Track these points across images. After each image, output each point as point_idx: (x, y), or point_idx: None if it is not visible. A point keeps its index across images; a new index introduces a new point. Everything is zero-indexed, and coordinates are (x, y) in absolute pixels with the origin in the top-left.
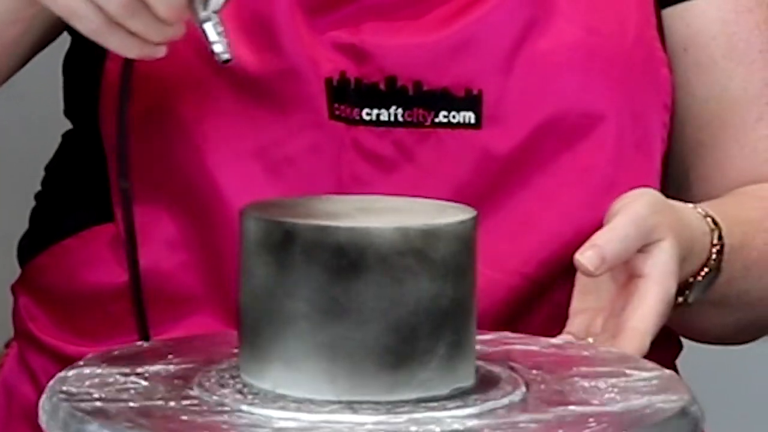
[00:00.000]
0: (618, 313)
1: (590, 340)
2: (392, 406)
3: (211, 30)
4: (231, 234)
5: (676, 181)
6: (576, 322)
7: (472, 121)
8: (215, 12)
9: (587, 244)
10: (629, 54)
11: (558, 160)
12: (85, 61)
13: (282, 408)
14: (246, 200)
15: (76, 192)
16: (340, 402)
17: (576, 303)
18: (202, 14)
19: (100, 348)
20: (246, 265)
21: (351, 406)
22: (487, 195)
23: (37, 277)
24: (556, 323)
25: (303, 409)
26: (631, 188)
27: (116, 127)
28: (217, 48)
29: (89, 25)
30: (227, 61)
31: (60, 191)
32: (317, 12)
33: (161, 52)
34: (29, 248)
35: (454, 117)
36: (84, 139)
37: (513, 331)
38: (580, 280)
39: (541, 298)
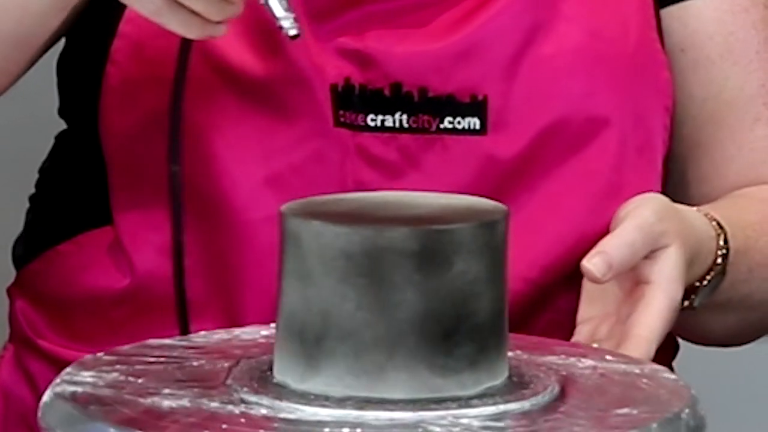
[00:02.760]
0: (624, 320)
1: (595, 345)
2: (422, 404)
3: (276, 5)
4: (235, 240)
5: (673, 181)
6: (583, 330)
7: (477, 126)
8: None
9: (594, 251)
10: (632, 57)
11: (562, 165)
12: (83, 63)
13: (306, 404)
14: (250, 207)
15: (70, 195)
16: (368, 399)
17: (583, 311)
18: None
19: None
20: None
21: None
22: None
23: (33, 282)
24: (558, 328)
25: (326, 405)
26: (635, 192)
27: (169, 110)
28: (285, 23)
29: (149, 6)
30: (296, 36)
31: (54, 194)
32: (322, 18)
33: (222, 30)
34: (24, 252)
35: (459, 123)
36: (80, 141)
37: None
38: (586, 287)
39: (544, 304)
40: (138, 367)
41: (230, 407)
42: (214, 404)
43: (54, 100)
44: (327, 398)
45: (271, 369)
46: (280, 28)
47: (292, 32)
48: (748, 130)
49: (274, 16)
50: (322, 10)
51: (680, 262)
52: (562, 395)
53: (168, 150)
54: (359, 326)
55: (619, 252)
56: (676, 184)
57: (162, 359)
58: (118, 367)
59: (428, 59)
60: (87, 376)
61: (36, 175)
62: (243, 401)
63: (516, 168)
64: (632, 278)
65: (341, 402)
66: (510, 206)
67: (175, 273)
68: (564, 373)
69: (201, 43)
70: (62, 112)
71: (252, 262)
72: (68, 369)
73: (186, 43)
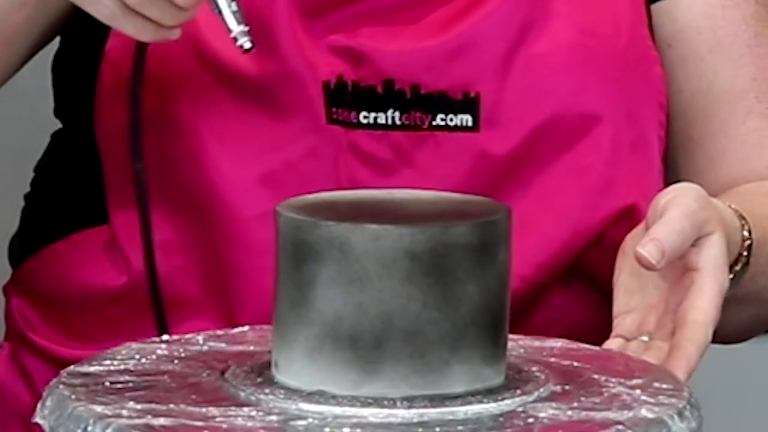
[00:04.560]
0: (673, 309)
1: (644, 338)
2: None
3: (230, 17)
4: (229, 238)
5: (667, 176)
6: (626, 322)
7: (470, 123)
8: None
9: (647, 238)
10: (624, 54)
11: (555, 162)
12: (78, 62)
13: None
14: (244, 205)
15: (66, 194)
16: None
17: (620, 304)
18: (220, 1)
19: (96, 351)
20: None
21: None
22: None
23: (29, 280)
24: (553, 326)
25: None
26: (628, 189)
27: (129, 109)
28: (238, 36)
29: (104, 11)
30: (249, 49)
31: (50, 192)
32: (315, 16)
33: (176, 34)
34: (20, 250)
35: (451, 120)
36: (74, 140)
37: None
38: (620, 280)
39: (539, 301)
40: (140, 367)
41: (270, 417)
42: (245, 415)
43: (50, 99)
44: (392, 400)
45: (261, 374)
46: (233, 40)
47: (246, 45)
48: (740, 123)
49: (227, 27)
50: (315, 7)
51: (724, 249)
52: (558, 392)
53: (131, 148)
54: (425, 325)
55: (670, 239)
56: (670, 178)
57: (169, 360)
58: (118, 367)
59: (421, 56)
60: (87, 375)
61: (32, 174)
62: (289, 410)
63: (509, 165)
64: (679, 267)
65: (409, 401)
66: (503, 203)
67: (147, 272)
68: (561, 370)
69: (194, 42)
70: (57, 112)
71: (247, 259)
72: (68, 369)
73: (141, 45)
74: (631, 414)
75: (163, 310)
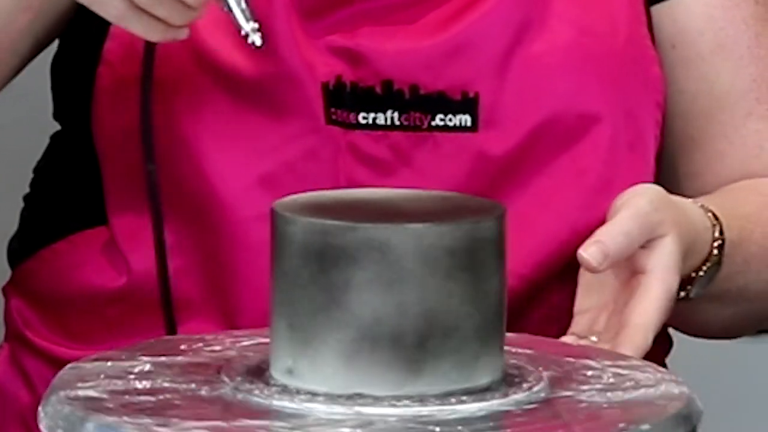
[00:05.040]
0: (621, 310)
1: (593, 338)
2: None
3: (240, 15)
4: (228, 239)
5: (665, 177)
6: (582, 321)
7: (469, 124)
8: None
9: (590, 240)
10: (622, 54)
11: (554, 162)
12: (76, 65)
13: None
14: (243, 206)
15: (65, 195)
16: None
17: (580, 303)
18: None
19: (95, 351)
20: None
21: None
22: (484, 197)
23: (28, 281)
24: (551, 324)
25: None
26: (626, 188)
27: (140, 111)
28: (249, 34)
29: (112, 12)
30: (260, 46)
31: (49, 194)
32: (312, 16)
33: (184, 34)
34: (19, 251)
35: (450, 120)
36: (73, 142)
37: (508, 332)
38: (583, 279)
39: (537, 300)
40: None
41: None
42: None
43: (49, 101)
44: (435, 396)
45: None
46: (244, 37)
47: (257, 42)
48: (740, 125)
49: (237, 25)
50: (313, 8)
51: (676, 251)
52: (554, 391)
53: (143, 149)
54: (462, 320)
55: (615, 241)
56: (668, 179)
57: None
58: (119, 367)
59: (419, 57)
60: (87, 375)
61: (31, 175)
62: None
63: (507, 165)
64: (629, 268)
65: (444, 398)
66: (502, 203)
67: (159, 273)
68: (557, 369)
69: (192, 43)
70: (56, 114)
71: (245, 260)
72: (67, 367)
73: (150, 45)
74: (662, 388)
75: (172, 310)
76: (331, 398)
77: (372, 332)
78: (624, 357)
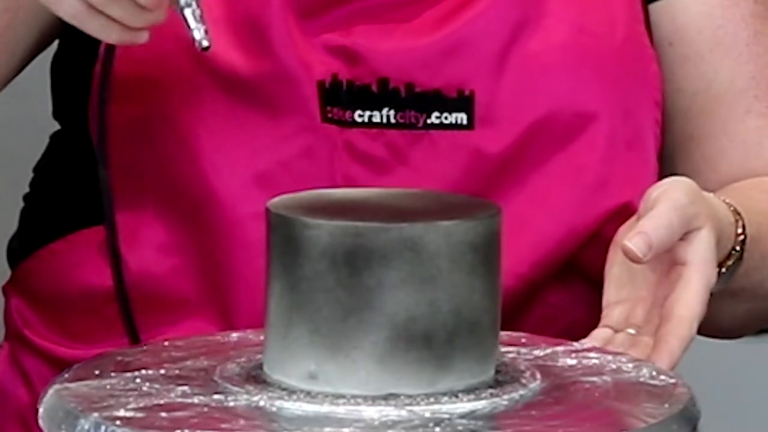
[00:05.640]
0: (661, 302)
1: (631, 331)
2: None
3: (189, 16)
4: (225, 238)
5: (665, 175)
6: (614, 314)
7: (465, 122)
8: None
9: (634, 231)
10: (619, 52)
11: (550, 160)
12: (74, 64)
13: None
14: (239, 204)
15: (64, 194)
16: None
17: (610, 295)
18: (182, 0)
19: (94, 350)
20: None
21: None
22: (480, 196)
23: (28, 280)
24: (549, 324)
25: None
26: (624, 187)
27: (97, 114)
28: (196, 35)
29: (69, 10)
30: (206, 48)
31: (48, 193)
32: (309, 15)
33: (143, 37)
34: (18, 250)
35: (446, 118)
36: (73, 142)
37: (509, 332)
38: (612, 271)
39: (535, 299)
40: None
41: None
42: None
43: (49, 101)
44: (463, 392)
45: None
46: (192, 39)
47: (203, 44)
48: (740, 122)
49: (186, 26)
50: (309, 6)
51: (713, 243)
52: (551, 391)
53: (97, 154)
54: (482, 314)
55: (657, 233)
56: (668, 177)
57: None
58: (120, 367)
59: (415, 55)
60: (87, 376)
61: (31, 175)
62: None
63: (504, 163)
64: (667, 260)
65: (476, 393)
66: (498, 201)
67: (114, 277)
68: (555, 367)
69: (188, 43)
70: (56, 114)
71: (242, 259)
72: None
73: (110, 47)
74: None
75: (134, 317)
76: (368, 399)
77: (406, 332)
78: (624, 355)
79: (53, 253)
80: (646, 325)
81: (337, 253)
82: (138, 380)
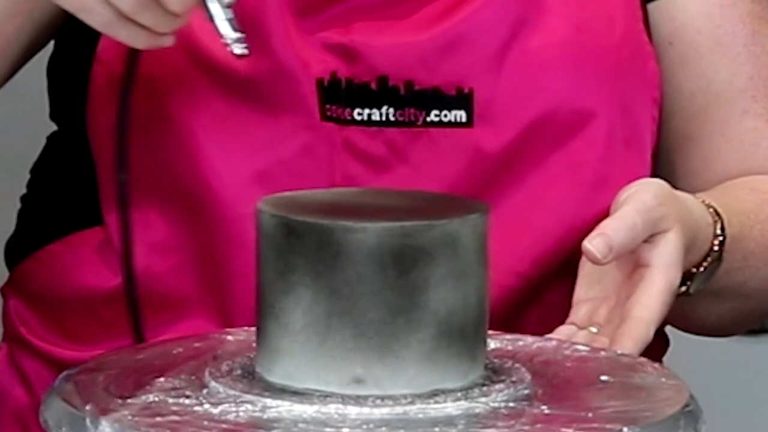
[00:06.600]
0: (623, 303)
1: (593, 329)
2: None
3: (224, 24)
4: (225, 236)
5: (662, 174)
6: (581, 311)
7: (464, 119)
8: (228, 6)
9: (595, 232)
10: (618, 49)
11: (549, 158)
12: (71, 65)
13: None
14: (238, 203)
15: (61, 195)
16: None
17: (580, 292)
18: (212, 7)
19: (93, 352)
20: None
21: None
22: (480, 193)
23: (26, 282)
24: (549, 323)
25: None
26: (623, 184)
27: (116, 120)
28: (233, 44)
29: (99, 19)
30: (243, 55)
31: (45, 194)
32: (307, 13)
33: (169, 41)
34: (16, 252)
35: (445, 116)
36: (70, 143)
37: (507, 331)
38: (584, 269)
39: (535, 298)
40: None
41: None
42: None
43: (46, 102)
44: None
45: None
46: (226, 45)
47: (239, 51)
48: (737, 122)
49: (219, 34)
50: (307, 4)
51: (679, 246)
52: (547, 390)
53: (115, 158)
54: (486, 305)
55: (619, 234)
56: (665, 177)
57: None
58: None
59: (414, 52)
60: (87, 376)
61: (28, 176)
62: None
63: (503, 161)
64: (632, 262)
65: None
66: (498, 199)
67: (124, 278)
68: (551, 365)
69: (186, 41)
70: (53, 115)
71: (241, 257)
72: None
73: (134, 52)
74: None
75: (139, 316)
76: (418, 397)
77: (447, 327)
78: (624, 355)
79: (51, 254)
80: (606, 324)
81: (384, 254)
82: (139, 380)
